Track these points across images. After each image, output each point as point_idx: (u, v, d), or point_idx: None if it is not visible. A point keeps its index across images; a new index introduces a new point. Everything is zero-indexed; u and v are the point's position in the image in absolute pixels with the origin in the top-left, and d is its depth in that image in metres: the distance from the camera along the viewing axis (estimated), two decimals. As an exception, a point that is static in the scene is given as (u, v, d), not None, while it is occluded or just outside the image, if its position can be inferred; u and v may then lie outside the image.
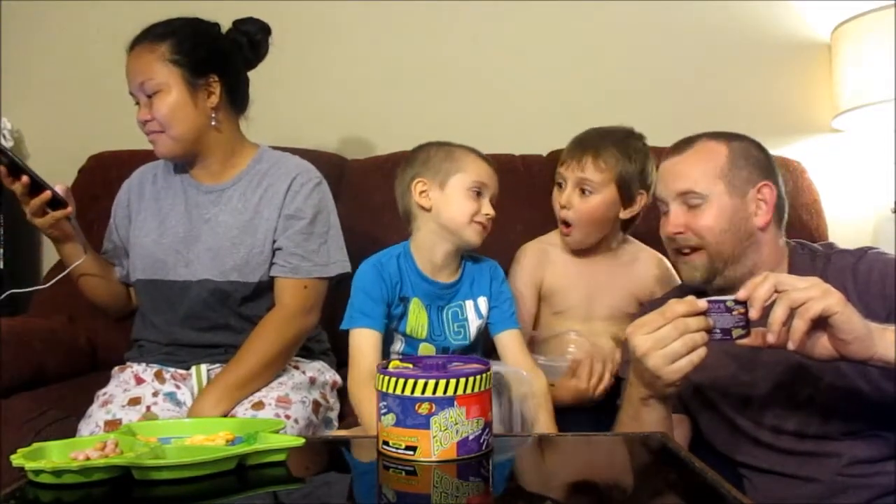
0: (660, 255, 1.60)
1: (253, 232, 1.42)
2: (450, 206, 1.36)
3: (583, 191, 1.49)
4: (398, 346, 1.40)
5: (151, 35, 1.40)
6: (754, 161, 1.21)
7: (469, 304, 1.42)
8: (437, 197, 1.37)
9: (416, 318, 1.38)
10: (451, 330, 1.41)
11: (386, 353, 1.39)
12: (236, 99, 1.48)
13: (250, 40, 1.50)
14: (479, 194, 1.36)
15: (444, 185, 1.37)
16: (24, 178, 1.33)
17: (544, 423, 1.30)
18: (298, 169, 1.47)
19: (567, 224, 1.51)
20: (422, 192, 1.38)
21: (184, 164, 1.49)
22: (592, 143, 1.50)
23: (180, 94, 1.38)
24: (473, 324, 1.42)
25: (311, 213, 1.44)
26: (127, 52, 1.42)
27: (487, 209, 1.37)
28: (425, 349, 1.40)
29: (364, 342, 1.31)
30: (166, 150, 1.42)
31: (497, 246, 1.49)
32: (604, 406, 1.38)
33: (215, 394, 1.31)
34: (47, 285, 1.53)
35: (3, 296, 1.52)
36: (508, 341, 1.41)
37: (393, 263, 1.38)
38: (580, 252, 1.57)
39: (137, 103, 1.41)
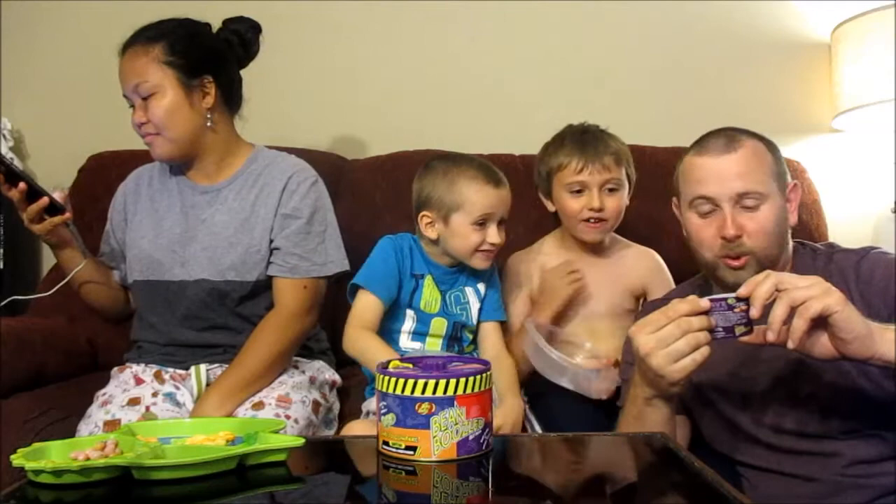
0: (648, 249, 1.62)
1: (249, 231, 1.42)
2: (455, 240, 1.40)
3: (609, 189, 1.51)
4: (409, 324, 1.42)
5: (144, 37, 1.39)
6: (783, 160, 1.22)
7: (469, 289, 1.47)
8: (441, 229, 1.41)
9: (431, 293, 1.43)
10: (455, 311, 1.46)
11: (396, 334, 1.42)
12: (230, 99, 1.48)
13: (241, 39, 1.50)
14: (483, 224, 1.38)
15: (447, 221, 1.39)
16: (21, 185, 1.33)
17: (511, 402, 1.36)
18: (294, 168, 1.47)
19: (597, 221, 1.51)
20: (427, 224, 1.42)
21: (179, 165, 1.49)
22: (602, 142, 1.51)
23: (176, 96, 1.38)
24: (475, 307, 1.47)
25: (308, 213, 1.44)
26: (119, 55, 1.41)
27: (493, 238, 1.39)
28: (438, 323, 1.43)
29: (369, 305, 1.38)
30: (163, 152, 1.42)
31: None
32: (604, 406, 1.38)
33: (218, 396, 1.31)
34: (49, 293, 1.51)
35: (5, 302, 1.52)
36: (491, 331, 1.49)
37: (406, 243, 1.46)
38: (573, 254, 1.58)
39: (132, 106, 1.41)
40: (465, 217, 1.37)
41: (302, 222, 1.43)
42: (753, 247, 1.15)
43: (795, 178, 1.26)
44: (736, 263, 1.17)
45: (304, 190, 1.45)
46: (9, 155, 2.13)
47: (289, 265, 1.41)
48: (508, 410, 1.34)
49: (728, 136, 1.20)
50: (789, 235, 1.22)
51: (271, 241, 1.43)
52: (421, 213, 1.42)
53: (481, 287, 1.48)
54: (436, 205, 1.40)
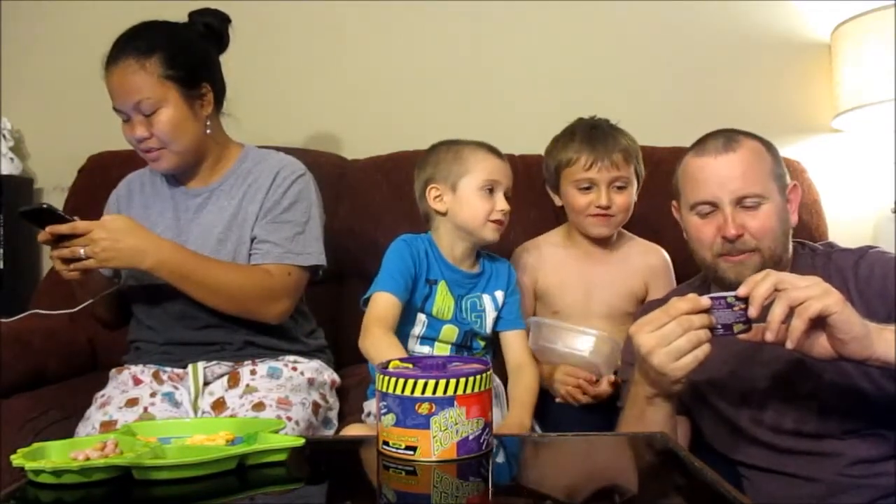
0: (655, 247, 1.61)
1: (238, 228, 1.42)
2: (464, 209, 1.39)
3: (617, 187, 1.51)
4: (419, 328, 1.41)
5: (135, 50, 1.35)
6: (782, 161, 1.23)
7: (486, 297, 1.46)
8: (450, 200, 1.41)
9: (444, 300, 1.41)
10: (470, 319, 1.44)
11: (405, 336, 1.40)
12: (220, 100, 1.48)
13: (213, 32, 1.47)
14: (491, 191, 1.39)
15: (455, 188, 1.40)
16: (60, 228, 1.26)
17: (516, 415, 1.33)
18: (282, 163, 1.47)
19: (604, 216, 1.51)
20: (436, 197, 1.42)
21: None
22: (611, 139, 1.51)
23: (179, 109, 1.36)
24: (490, 315, 1.45)
25: (288, 203, 1.43)
26: (106, 67, 1.36)
27: (502, 205, 1.39)
28: (449, 331, 1.41)
29: (384, 302, 1.34)
30: (169, 164, 1.41)
31: (497, 246, 1.49)
32: (604, 407, 1.38)
33: (169, 246, 1.32)
34: (76, 309, 1.47)
35: (27, 314, 1.49)
36: (513, 340, 1.46)
37: (422, 245, 1.43)
38: (579, 249, 1.58)
39: (125, 120, 1.38)
40: (473, 180, 1.38)
41: (279, 211, 1.42)
42: (759, 245, 1.15)
43: (795, 178, 1.26)
44: (737, 258, 1.16)
45: (288, 183, 1.44)
46: (9, 155, 2.14)
47: (261, 251, 1.41)
48: (508, 424, 1.29)
49: (727, 137, 1.20)
50: (790, 236, 1.22)
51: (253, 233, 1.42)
52: (429, 187, 1.42)
53: (499, 295, 1.46)
54: (443, 176, 1.40)
